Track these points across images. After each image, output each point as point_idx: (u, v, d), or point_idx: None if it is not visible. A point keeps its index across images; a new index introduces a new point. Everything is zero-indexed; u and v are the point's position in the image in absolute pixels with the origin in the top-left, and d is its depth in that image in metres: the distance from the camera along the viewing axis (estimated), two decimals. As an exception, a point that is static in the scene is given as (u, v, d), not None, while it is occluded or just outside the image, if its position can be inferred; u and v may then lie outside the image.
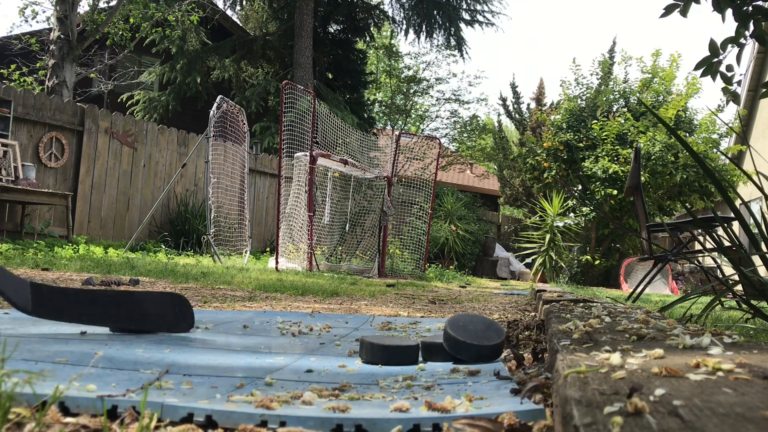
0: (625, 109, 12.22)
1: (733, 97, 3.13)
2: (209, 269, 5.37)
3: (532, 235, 12.21)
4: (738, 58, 3.05)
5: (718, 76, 3.10)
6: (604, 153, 11.42)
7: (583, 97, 12.76)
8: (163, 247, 8.56)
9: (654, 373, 0.79)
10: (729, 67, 3.09)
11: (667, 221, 6.89)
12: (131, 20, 11.90)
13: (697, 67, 3.11)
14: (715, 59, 3.07)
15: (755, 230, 2.01)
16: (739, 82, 3.11)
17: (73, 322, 1.70)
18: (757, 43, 3.05)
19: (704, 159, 10.88)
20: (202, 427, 0.87)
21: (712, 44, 3.09)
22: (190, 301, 2.94)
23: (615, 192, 11.06)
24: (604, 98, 12.37)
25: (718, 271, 2.39)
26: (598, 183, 11.30)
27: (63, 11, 10.08)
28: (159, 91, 14.79)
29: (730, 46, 3.04)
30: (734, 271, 1.96)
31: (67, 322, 1.69)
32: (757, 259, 2.04)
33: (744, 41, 3.00)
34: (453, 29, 15.47)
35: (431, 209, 9.08)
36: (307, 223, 7.17)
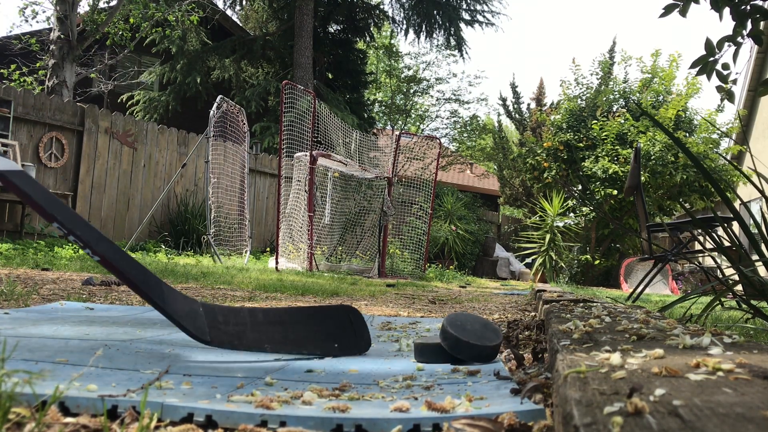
0: (625, 110, 12.22)
1: (728, 95, 3.13)
2: (209, 269, 5.37)
3: (532, 235, 12.21)
4: (734, 57, 3.05)
5: (714, 74, 3.10)
6: (604, 153, 11.42)
7: (583, 97, 12.76)
8: (163, 247, 8.56)
9: (654, 373, 0.79)
10: (725, 66, 3.09)
11: (667, 221, 6.89)
12: (131, 20, 11.90)
13: (692, 66, 3.11)
14: (711, 58, 3.08)
15: (755, 230, 2.01)
16: (735, 81, 3.11)
17: (253, 350, 1.47)
18: (755, 43, 3.05)
19: (704, 159, 10.88)
20: (202, 427, 0.87)
21: (708, 43, 3.09)
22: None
23: (615, 192, 11.06)
24: (604, 98, 12.37)
25: (718, 271, 2.39)
26: (598, 183, 11.30)
27: (63, 11, 10.08)
28: (159, 91, 14.79)
29: (727, 45, 3.05)
30: (734, 271, 1.96)
31: (245, 350, 1.46)
32: (757, 259, 2.04)
33: (741, 40, 3.00)
34: (453, 29, 15.47)
35: (431, 209, 9.08)
36: (307, 223, 7.17)
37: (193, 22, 13.12)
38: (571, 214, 13.03)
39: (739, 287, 2.23)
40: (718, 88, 3.14)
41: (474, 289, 6.49)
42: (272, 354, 1.47)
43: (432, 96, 21.87)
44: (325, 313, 1.65)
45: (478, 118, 21.71)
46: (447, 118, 22.14)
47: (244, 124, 8.82)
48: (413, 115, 22.20)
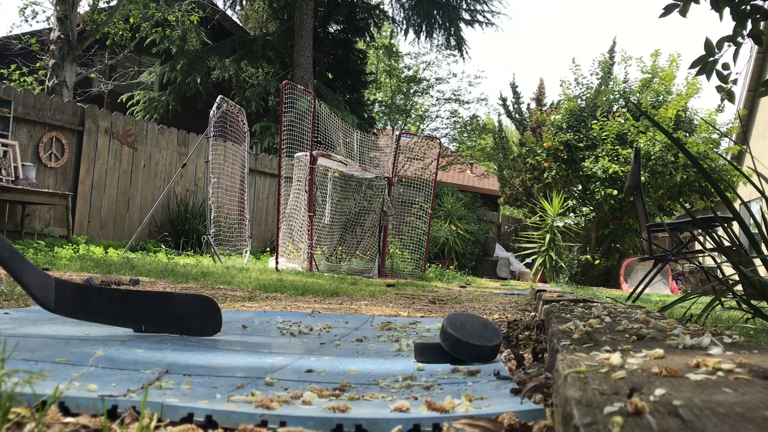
0: (625, 110, 12.22)
1: (728, 95, 3.14)
2: (209, 269, 5.37)
3: (532, 235, 12.21)
4: (735, 57, 3.05)
5: (714, 74, 3.10)
6: (604, 153, 11.42)
7: (583, 97, 12.76)
8: (163, 247, 8.56)
9: (654, 373, 0.79)
10: (725, 66, 3.09)
11: (667, 221, 6.89)
12: (131, 20, 11.90)
13: (692, 66, 3.11)
14: (711, 58, 3.08)
15: (755, 230, 2.01)
16: (735, 81, 3.12)
17: (97, 322, 1.68)
18: (755, 43, 3.05)
19: (704, 159, 10.88)
20: (202, 427, 0.87)
21: (707, 43, 3.09)
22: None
23: (615, 192, 11.06)
24: (604, 98, 12.37)
25: (718, 271, 2.39)
26: (598, 183, 11.30)
27: (63, 11, 10.08)
28: (159, 91, 14.78)
29: (726, 44, 3.05)
30: (734, 271, 1.96)
31: (89, 321, 1.68)
32: (757, 259, 2.04)
33: (741, 40, 3.00)
34: (453, 29, 15.47)
35: (431, 209, 9.08)
36: (307, 223, 7.17)
37: (193, 22, 13.12)
38: (571, 214, 13.04)
39: (739, 287, 2.23)
40: (718, 88, 3.14)
41: (474, 289, 6.49)
42: (114, 327, 1.70)
43: (432, 96, 21.88)
44: (182, 299, 1.85)
45: (478, 118, 21.72)
46: (447, 118, 22.15)
47: (244, 124, 8.82)
48: (413, 115, 22.20)
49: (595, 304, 2.22)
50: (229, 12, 16.05)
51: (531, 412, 0.91)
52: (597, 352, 0.97)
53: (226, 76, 14.61)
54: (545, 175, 12.15)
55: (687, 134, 11.53)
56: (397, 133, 8.98)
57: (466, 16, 15.67)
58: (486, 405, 0.96)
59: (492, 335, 1.46)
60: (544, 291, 3.93)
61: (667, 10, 3.08)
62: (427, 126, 22.54)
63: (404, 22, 15.89)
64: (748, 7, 2.92)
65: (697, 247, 7.05)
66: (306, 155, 7.30)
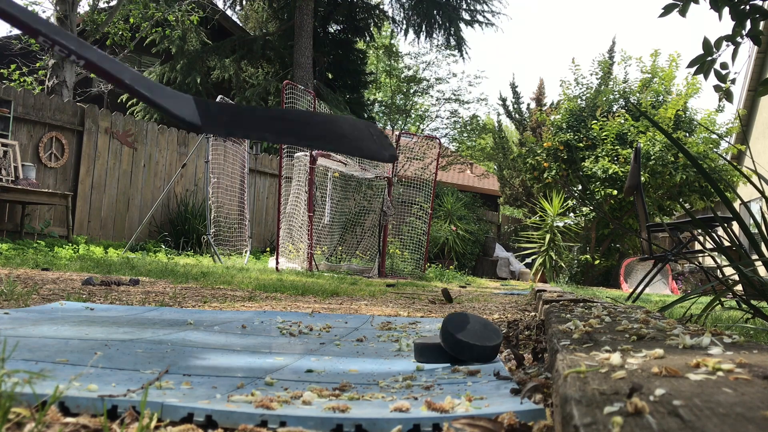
0: (625, 110, 12.22)
1: (726, 95, 3.14)
2: (209, 269, 5.37)
3: (532, 235, 12.21)
4: (733, 57, 3.05)
5: (712, 73, 3.10)
6: (604, 153, 11.42)
7: (583, 97, 12.77)
8: (163, 247, 8.56)
9: (654, 373, 0.79)
10: (723, 65, 3.10)
11: (667, 221, 6.89)
12: (131, 20, 11.90)
13: (690, 65, 3.11)
14: (709, 57, 3.08)
15: (755, 230, 2.01)
16: (733, 81, 3.12)
17: (251, 137, 1.41)
18: (754, 43, 3.05)
19: (704, 159, 10.88)
20: (202, 427, 0.87)
21: (705, 43, 3.09)
22: (190, 301, 2.94)
23: (615, 192, 11.06)
24: (604, 98, 12.37)
25: (718, 271, 2.39)
26: (598, 183, 11.30)
27: (63, 11, 10.08)
28: (159, 91, 14.76)
29: (725, 44, 3.05)
30: (734, 271, 1.96)
31: (242, 136, 1.42)
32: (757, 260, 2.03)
33: (740, 40, 3.00)
34: (453, 29, 15.47)
35: (431, 209, 9.08)
36: (307, 223, 7.17)
37: (193, 22, 13.12)
38: (571, 214, 13.04)
39: (739, 287, 2.23)
40: (716, 88, 3.14)
41: (474, 289, 6.49)
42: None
43: (432, 96, 21.87)
44: (349, 121, 1.55)
45: (478, 118, 21.71)
46: (447, 118, 22.14)
47: (244, 124, 8.80)
48: (413, 115, 22.19)
49: (595, 304, 2.22)
50: (229, 12, 16.06)
51: (531, 412, 0.91)
52: (597, 352, 0.97)
53: (226, 76, 14.62)
54: (545, 175, 12.15)
55: (687, 134, 11.53)
56: (397, 133, 8.99)
57: (466, 16, 15.67)
58: (486, 405, 0.96)
59: (492, 335, 1.46)
60: (544, 291, 3.93)
61: (667, 10, 3.08)
62: (427, 126, 22.54)
63: (404, 22, 15.90)
64: (747, 7, 2.92)
65: (697, 247, 7.04)
66: (306, 155, 7.30)
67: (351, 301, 3.56)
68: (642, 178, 6.66)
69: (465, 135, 22.09)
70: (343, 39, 15.73)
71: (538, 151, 12.33)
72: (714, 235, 2.29)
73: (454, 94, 21.82)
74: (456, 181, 19.64)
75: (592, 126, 11.70)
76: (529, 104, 18.81)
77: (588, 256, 12.08)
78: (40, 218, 7.73)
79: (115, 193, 8.72)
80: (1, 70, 11.88)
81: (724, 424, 0.54)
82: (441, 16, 15.37)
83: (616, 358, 0.89)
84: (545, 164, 12.14)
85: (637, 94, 12.47)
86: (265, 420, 0.88)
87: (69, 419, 0.86)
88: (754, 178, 7.49)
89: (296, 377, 1.24)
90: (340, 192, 9.23)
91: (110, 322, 2.02)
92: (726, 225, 2.17)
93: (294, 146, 7.47)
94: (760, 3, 2.98)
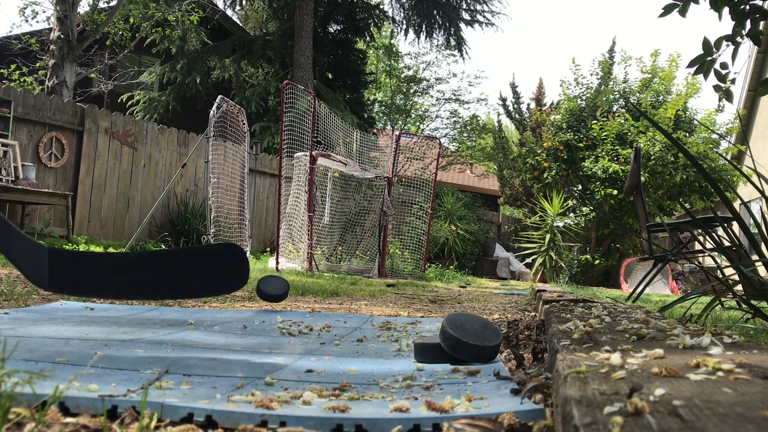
0: (624, 110, 12.22)
1: (726, 94, 3.14)
2: (209, 269, 5.36)
3: (532, 235, 12.21)
4: (733, 57, 3.05)
5: (712, 73, 3.10)
6: (604, 153, 11.42)
7: (583, 97, 12.77)
8: (163, 247, 8.56)
9: (654, 373, 0.79)
10: (723, 65, 3.09)
11: (667, 221, 6.89)
12: (131, 20, 11.90)
13: (690, 65, 3.11)
14: (709, 57, 3.08)
15: (755, 230, 2.01)
16: (733, 81, 3.12)
17: (98, 297, 1.44)
18: (754, 43, 3.05)
19: (704, 159, 10.88)
20: (202, 427, 0.87)
21: (705, 43, 3.09)
22: (190, 301, 2.94)
23: (615, 192, 11.06)
24: (604, 98, 12.37)
25: (718, 271, 2.39)
26: (598, 183, 11.30)
27: (63, 11, 10.08)
28: (159, 91, 14.78)
29: (725, 44, 3.05)
30: (734, 271, 1.96)
31: (89, 296, 1.43)
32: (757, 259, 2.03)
33: (740, 40, 3.00)
34: (453, 29, 15.47)
35: (431, 209, 9.08)
36: (307, 223, 7.17)
37: (193, 22, 13.12)
38: (571, 214, 13.03)
39: (739, 287, 2.23)
40: (716, 87, 3.14)
41: (474, 289, 6.49)
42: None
43: (432, 96, 21.86)
44: (197, 255, 1.51)
45: (478, 118, 21.70)
46: (447, 118, 22.13)
47: (244, 124, 8.82)
48: (413, 115, 22.18)
49: (595, 304, 2.22)
50: (229, 12, 16.06)
51: (531, 412, 0.91)
52: (597, 352, 0.97)
53: (226, 76, 14.61)
54: (545, 175, 12.15)
55: (687, 134, 11.53)
56: (397, 133, 8.98)
57: (466, 16, 15.67)
58: (486, 405, 0.96)
59: (492, 335, 1.46)
60: (544, 291, 3.93)
61: (667, 10, 3.08)
62: (427, 126, 22.53)
63: (404, 22, 15.89)
64: (747, 7, 2.92)
65: (697, 247, 7.04)
66: (306, 155, 7.30)
67: (351, 301, 3.56)
68: (642, 178, 6.67)
69: (465, 135, 22.08)
70: (343, 39, 15.73)
71: (538, 151, 12.33)
72: (714, 235, 2.29)
73: (454, 94, 21.82)
74: (456, 181, 19.63)
75: (592, 126, 11.70)
76: (529, 104, 18.81)
77: (588, 256, 12.08)
78: (40, 218, 7.73)
79: (115, 193, 8.72)
80: (1, 70, 11.88)
81: (724, 424, 0.54)
82: (441, 16, 15.37)
83: (616, 358, 0.89)
84: (545, 164, 12.14)
85: (637, 94, 12.47)
86: (265, 420, 0.88)
87: (69, 419, 0.86)
88: (754, 178, 7.49)
89: (296, 377, 1.24)
90: (340, 192, 9.23)
91: (110, 322, 2.02)
92: (726, 225, 2.17)
93: (292, 147, 7.47)
94: (760, 3, 2.98)
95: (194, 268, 1.45)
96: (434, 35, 15.80)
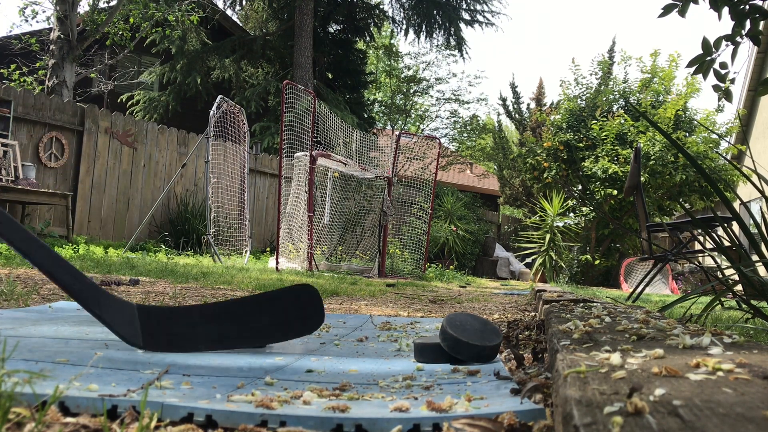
0: (624, 111, 12.22)
1: (725, 94, 3.14)
2: (209, 269, 5.37)
3: (532, 235, 12.22)
4: (733, 56, 3.05)
5: (712, 73, 3.10)
6: (603, 153, 11.42)
7: (583, 97, 12.77)
8: (163, 247, 8.56)
9: (654, 373, 0.79)
10: (723, 65, 3.09)
11: (667, 221, 6.89)
12: (131, 20, 11.90)
13: (689, 65, 3.11)
14: (708, 57, 3.08)
15: (755, 230, 2.01)
16: (733, 80, 3.12)
17: (193, 350, 1.45)
18: (754, 43, 3.05)
19: (704, 159, 10.88)
20: (202, 427, 0.87)
21: (705, 42, 3.09)
22: (190, 301, 2.94)
23: (615, 192, 11.06)
24: (604, 98, 12.37)
25: (718, 271, 2.39)
26: (598, 183, 11.30)
27: (63, 11, 10.08)
28: (159, 91, 14.78)
29: (725, 44, 3.05)
30: (734, 271, 1.96)
31: (185, 350, 1.44)
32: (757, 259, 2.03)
33: (740, 40, 3.00)
34: (453, 29, 15.47)
35: (431, 209, 9.08)
36: (306, 223, 7.17)
37: (193, 22, 13.12)
38: (571, 214, 13.04)
39: (739, 287, 2.23)
40: (715, 87, 3.14)
41: (474, 289, 6.49)
42: (210, 353, 1.47)
43: (432, 96, 21.87)
44: (279, 300, 1.60)
45: (478, 118, 21.70)
46: (447, 118, 22.14)
47: (244, 124, 8.82)
48: (413, 115, 22.19)
49: (595, 304, 2.22)
50: (229, 12, 16.06)
51: (531, 412, 0.91)
52: (597, 352, 0.97)
53: (226, 76, 14.62)
54: (545, 175, 12.16)
55: (687, 134, 11.53)
56: (397, 133, 8.98)
57: (466, 16, 15.67)
58: (486, 405, 0.96)
59: (492, 335, 1.46)
60: (544, 291, 3.93)
61: (666, 10, 3.08)
62: (427, 126, 22.54)
63: (404, 22, 15.89)
64: (747, 7, 2.92)
65: (697, 247, 7.05)
66: (306, 155, 7.30)
67: (351, 301, 3.56)
68: (642, 178, 6.66)
69: (465, 135, 22.08)
70: (343, 39, 15.73)
71: (538, 151, 12.33)
72: (714, 235, 2.29)
73: (454, 94, 21.82)
74: (456, 181, 19.64)
75: (592, 126, 11.70)
76: (529, 104, 18.81)
77: (588, 256, 12.08)
78: (40, 218, 7.73)
79: (115, 193, 8.72)
80: (1, 70, 11.88)
81: (724, 424, 0.54)
82: (441, 16, 15.37)
83: (616, 358, 0.89)
84: (545, 164, 12.14)
85: (637, 94, 12.47)
86: (265, 420, 0.88)
87: (69, 419, 0.86)
88: (754, 178, 7.50)
89: (296, 377, 1.24)
90: (340, 192, 9.23)
91: (110, 322, 2.02)
92: (726, 225, 2.17)
93: (292, 147, 7.47)
94: (760, 3, 2.98)
95: (277, 311, 1.56)
96: (434, 35, 15.80)
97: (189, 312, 1.55)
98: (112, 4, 11.69)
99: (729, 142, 7.63)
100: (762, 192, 1.82)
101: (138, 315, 1.45)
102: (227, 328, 1.52)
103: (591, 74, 13.14)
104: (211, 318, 1.54)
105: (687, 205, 11.57)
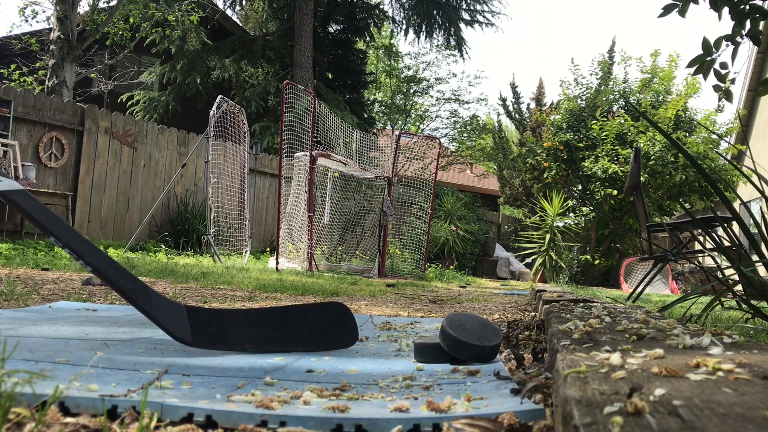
0: (624, 111, 12.22)
1: (726, 94, 3.14)
2: (209, 269, 5.37)
3: (532, 235, 12.22)
4: (733, 56, 3.05)
5: (712, 73, 3.10)
6: (603, 153, 11.42)
7: (583, 97, 12.77)
8: (163, 247, 8.56)
9: (654, 373, 0.79)
10: (723, 65, 3.09)
11: (667, 221, 6.90)
12: (131, 20, 11.90)
13: (690, 65, 3.11)
14: (708, 57, 3.08)
15: (755, 230, 2.01)
16: (733, 80, 3.12)
17: (238, 351, 1.52)
18: (754, 44, 3.05)
19: (704, 159, 10.88)
20: (202, 427, 0.87)
21: (705, 43, 3.09)
22: (190, 302, 2.94)
23: (615, 192, 11.06)
24: (604, 98, 12.37)
25: (718, 271, 2.39)
26: (598, 183, 11.30)
27: (63, 11, 10.08)
28: (159, 91, 14.78)
29: (725, 44, 3.05)
30: (734, 271, 1.96)
31: (229, 350, 1.51)
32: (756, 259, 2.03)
33: (740, 40, 3.00)
34: (453, 29, 15.47)
35: (431, 209, 9.08)
36: (307, 223, 7.17)
37: (193, 22, 13.12)
38: (571, 214, 13.04)
39: (739, 287, 2.23)
40: (715, 87, 3.14)
41: (474, 289, 6.49)
42: (255, 354, 1.53)
43: (432, 96, 21.86)
44: (317, 311, 1.72)
45: (478, 118, 21.70)
46: (447, 118, 22.13)
47: (244, 124, 8.82)
48: (413, 115, 22.18)
49: (595, 304, 2.22)
50: (229, 12, 16.06)
51: (531, 412, 0.91)
52: (597, 352, 0.97)
53: (226, 76, 14.61)
54: (545, 175, 12.15)
55: (687, 134, 11.53)
56: (397, 133, 8.98)
57: (466, 16, 15.67)
58: (486, 405, 0.96)
59: (492, 335, 1.46)
60: (544, 291, 3.93)
61: (666, 10, 3.07)
62: (427, 126, 22.53)
63: (404, 22, 15.89)
64: (747, 7, 2.92)
65: (697, 247, 7.05)
66: (306, 155, 7.30)
67: (351, 301, 3.56)
68: (642, 178, 6.66)
69: (465, 135, 22.08)
70: (343, 39, 15.73)
71: (538, 151, 12.33)
72: (714, 235, 2.29)
73: (454, 94, 21.82)
74: (456, 181, 19.64)
75: (592, 126, 11.70)
76: (529, 104, 18.81)
77: (588, 256, 12.08)
78: (40, 218, 7.73)
79: (115, 193, 8.72)
80: (1, 70, 11.88)
81: (724, 424, 0.54)
82: (441, 16, 15.37)
83: (616, 358, 0.89)
84: (545, 164, 12.14)
85: (637, 94, 12.47)
86: (265, 420, 0.88)
87: (69, 419, 0.86)
88: (754, 178, 7.50)
89: (296, 377, 1.24)
90: (340, 192, 9.23)
91: (110, 322, 2.02)
92: (726, 225, 2.17)
93: (292, 147, 7.47)
94: (760, 3, 2.98)
95: (316, 322, 1.68)
96: (434, 35, 15.80)
97: (234, 314, 1.64)
98: (112, 4, 11.69)
99: (729, 142, 7.63)
100: (762, 192, 1.82)
101: (187, 314, 1.53)
102: (270, 332, 1.61)
103: (591, 74, 13.15)
104: (255, 321, 1.63)
105: (687, 205, 11.57)
